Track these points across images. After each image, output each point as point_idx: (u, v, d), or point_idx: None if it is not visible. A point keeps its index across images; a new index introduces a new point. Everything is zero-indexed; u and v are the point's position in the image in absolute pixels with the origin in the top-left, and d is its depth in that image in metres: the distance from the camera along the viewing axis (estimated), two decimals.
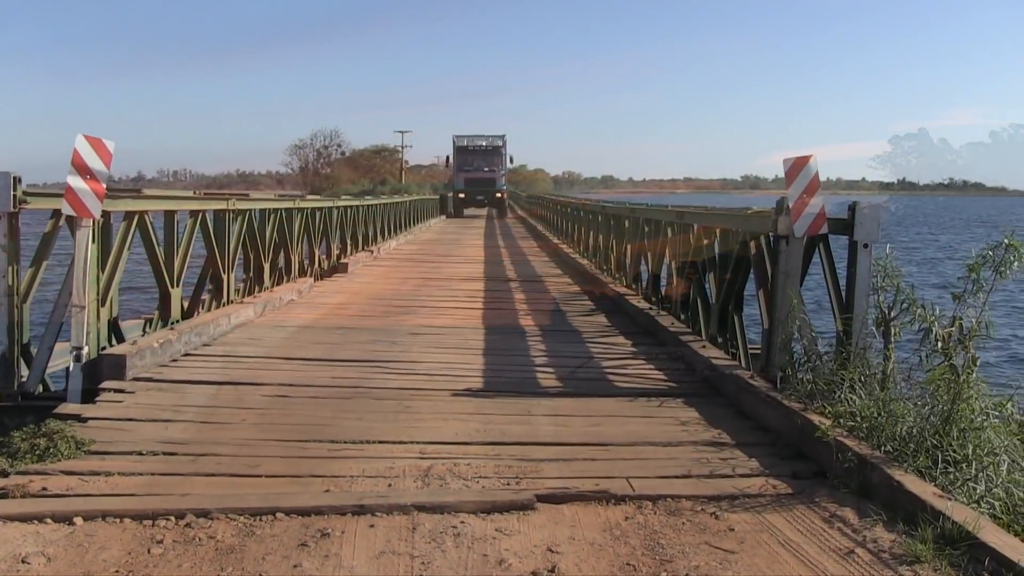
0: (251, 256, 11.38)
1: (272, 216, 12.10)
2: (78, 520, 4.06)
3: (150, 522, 4.08)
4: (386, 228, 25.23)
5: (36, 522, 4.03)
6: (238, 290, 11.34)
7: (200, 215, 8.99)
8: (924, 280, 28.33)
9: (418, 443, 5.31)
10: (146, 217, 7.65)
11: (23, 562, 3.67)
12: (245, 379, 6.74)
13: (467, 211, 51.42)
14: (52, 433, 5.03)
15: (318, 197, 17.52)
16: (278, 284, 12.29)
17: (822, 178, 6.31)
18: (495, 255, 22.25)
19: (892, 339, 5.85)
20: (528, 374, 7.29)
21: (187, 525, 4.07)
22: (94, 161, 6.22)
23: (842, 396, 5.27)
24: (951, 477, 4.34)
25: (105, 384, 6.26)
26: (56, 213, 6.57)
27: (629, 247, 13.39)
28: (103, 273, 6.92)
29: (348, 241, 18.73)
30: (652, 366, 7.69)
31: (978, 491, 4.24)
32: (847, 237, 6.25)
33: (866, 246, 6.16)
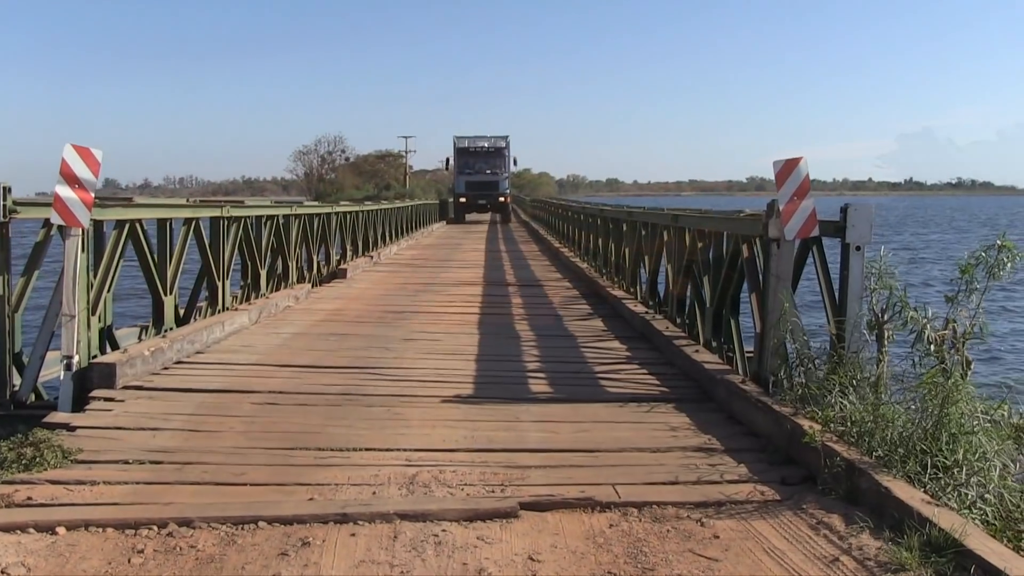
0: (248, 263, 11.40)
1: (269, 223, 12.10)
2: (61, 530, 4.05)
3: (132, 531, 4.07)
4: (387, 233, 25.23)
5: (19, 532, 4.02)
6: (236, 296, 11.36)
7: (193, 223, 8.99)
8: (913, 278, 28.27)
9: (405, 450, 5.29)
10: (137, 226, 7.64)
11: (3, 572, 3.66)
12: (235, 387, 6.72)
13: (469, 216, 49.38)
14: (39, 442, 5.03)
15: (316, 204, 17.50)
16: (276, 290, 12.30)
17: (828, 178, 6.37)
18: (496, 260, 22.25)
19: (885, 342, 5.82)
20: (519, 380, 7.26)
21: (169, 534, 4.06)
22: (82, 170, 6.22)
23: (832, 400, 5.24)
24: (942, 483, 4.30)
25: (95, 393, 6.25)
26: (48, 222, 6.57)
27: (627, 251, 13.38)
28: (94, 282, 6.91)
29: (348, 247, 18.75)
30: (645, 371, 7.66)
31: (969, 497, 4.20)
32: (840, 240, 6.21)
33: (858, 248, 6.12)
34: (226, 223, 9.96)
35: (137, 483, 4.70)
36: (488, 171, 49.06)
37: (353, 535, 4.04)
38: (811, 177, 6.25)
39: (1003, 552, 3.53)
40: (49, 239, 6.73)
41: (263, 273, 11.63)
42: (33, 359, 6.49)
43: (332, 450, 5.29)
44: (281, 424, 5.82)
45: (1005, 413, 4.67)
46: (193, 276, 10.01)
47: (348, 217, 19.10)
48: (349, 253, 18.89)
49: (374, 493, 4.58)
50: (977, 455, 4.36)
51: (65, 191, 6.16)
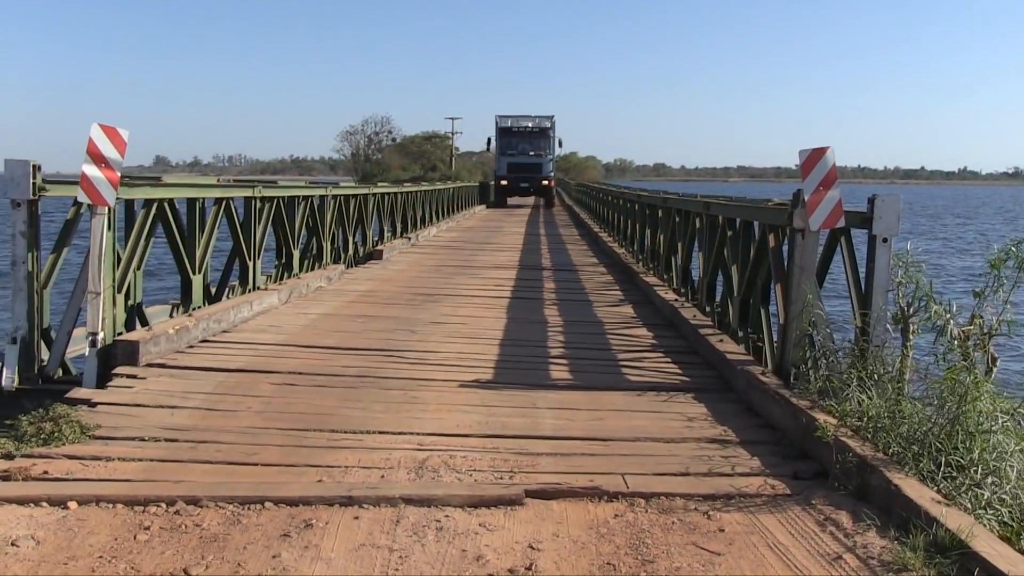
0: (281, 243, 11.50)
1: (303, 203, 12.17)
2: (72, 504, 4.13)
3: (141, 508, 4.12)
4: (426, 215, 25.29)
5: (32, 505, 4.10)
6: (270, 276, 11.46)
7: (224, 203, 9.06)
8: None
9: (418, 434, 5.30)
10: (166, 205, 7.72)
11: (12, 544, 3.73)
12: (256, 367, 6.78)
13: (511, 200, 47.28)
14: (58, 417, 5.10)
15: (352, 184, 17.54)
16: (311, 271, 12.39)
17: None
18: (534, 243, 22.20)
19: (910, 336, 5.72)
20: (540, 366, 7.24)
21: (176, 512, 4.11)
22: (109, 150, 6.29)
23: (850, 394, 5.16)
24: (956, 482, 4.22)
25: (118, 370, 6.34)
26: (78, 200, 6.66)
27: (661, 237, 13.29)
28: (122, 260, 7.00)
29: (385, 228, 18.82)
30: (669, 360, 7.60)
31: (984, 497, 4.12)
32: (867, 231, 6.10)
33: (885, 240, 6.00)
34: (258, 203, 10.02)
35: (151, 460, 4.77)
36: (532, 152, 46.50)
37: (356, 518, 4.06)
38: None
39: (1010, 555, 3.45)
40: (79, 217, 6.82)
41: (296, 253, 11.72)
42: (60, 335, 6.59)
43: (345, 432, 5.32)
44: (297, 405, 5.87)
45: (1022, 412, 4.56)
46: (227, 255, 10.09)
47: (386, 198, 19.16)
48: (387, 234, 18.97)
49: (382, 477, 4.60)
50: (995, 454, 4.28)
51: (92, 170, 6.24)
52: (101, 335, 6.36)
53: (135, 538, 3.84)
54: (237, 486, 4.37)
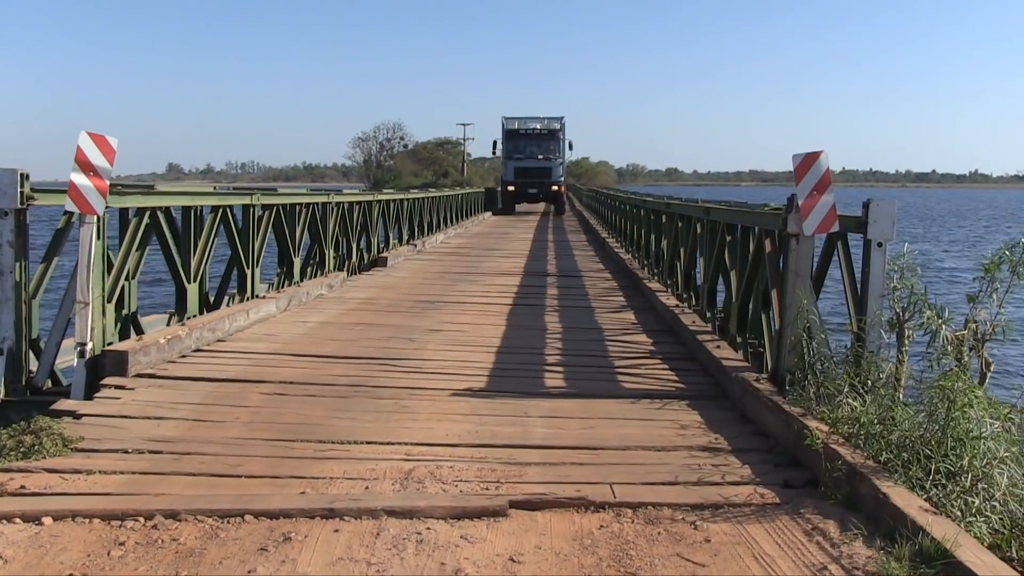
0: (281, 251, 11.47)
1: (303, 211, 12.14)
2: (47, 520, 4.05)
3: (118, 523, 4.05)
4: (433, 222, 25.25)
5: (5, 522, 4.02)
6: (272, 284, 11.44)
7: (220, 211, 9.02)
8: None
9: (406, 444, 5.24)
10: (159, 213, 7.69)
11: None
12: (248, 376, 6.73)
13: (519, 207, 45.13)
14: (39, 430, 5.06)
15: (357, 191, 17.51)
16: (314, 278, 12.36)
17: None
18: (540, 250, 22.12)
19: (906, 342, 5.64)
20: (536, 374, 7.17)
21: (154, 527, 4.04)
22: (97, 158, 6.25)
23: (842, 401, 5.08)
24: (947, 490, 4.14)
25: (107, 380, 6.30)
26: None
27: (665, 242, 13.21)
28: (113, 269, 6.97)
29: (390, 235, 18.79)
30: (666, 366, 7.52)
31: (975, 504, 4.03)
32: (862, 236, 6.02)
33: (880, 245, 5.92)
34: (257, 211, 9.98)
35: (133, 473, 4.71)
36: (540, 156, 43.94)
37: (336, 531, 4.00)
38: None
39: (994, 564, 3.38)
40: (70, 226, 6.79)
41: (297, 261, 11.70)
42: (49, 345, 6.55)
43: (333, 443, 5.26)
44: (286, 415, 5.81)
45: (1015, 418, 4.48)
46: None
47: (391, 205, 19.13)
48: (392, 241, 18.93)
49: (367, 488, 4.54)
50: (984, 461, 4.19)
51: (80, 178, 6.21)
52: (90, 345, 6.32)
53: (109, 554, 3.78)
54: (218, 499, 4.30)
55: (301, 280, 11.99)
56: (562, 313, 10.78)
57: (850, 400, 5.05)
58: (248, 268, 9.79)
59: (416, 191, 26.27)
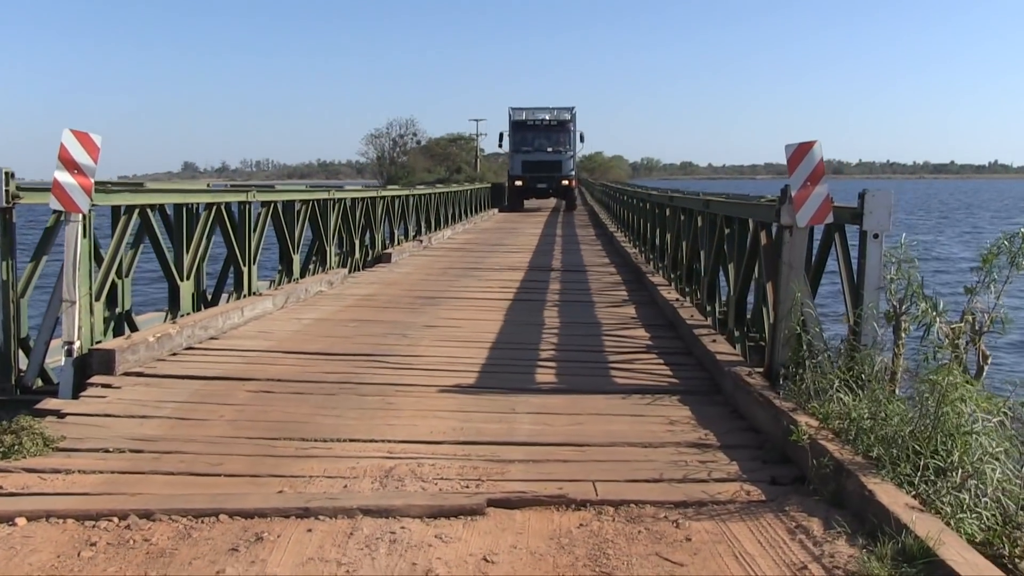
0: (281, 248, 11.43)
1: (302, 208, 12.08)
2: (21, 520, 4.00)
3: (92, 523, 4.01)
4: (441, 217, 25.19)
5: None
6: (274, 281, 11.39)
7: (214, 208, 8.97)
8: None
9: (389, 442, 5.16)
10: (148, 211, 7.64)
11: None
12: (236, 374, 6.67)
13: (528, 203, 42.79)
14: (20, 430, 5.00)
15: (359, 188, 17.41)
16: (316, 275, 12.32)
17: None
18: (547, 245, 22.01)
19: (902, 334, 5.53)
20: (527, 369, 7.08)
21: (127, 527, 3.99)
22: (81, 156, 6.21)
23: (832, 396, 4.98)
24: (936, 486, 4.04)
25: (94, 379, 6.25)
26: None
27: (668, 236, 13.10)
28: (101, 267, 6.93)
29: (396, 231, 18.72)
30: (662, 361, 7.42)
31: (965, 501, 3.93)
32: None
33: (876, 236, 5.81)
34: (252, 208, 9.93)
35: (112, 472, 4.66)
36: (549, 149, 41.04)
37: (310, 531, 3.93)
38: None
39: (977, 562, 3.28)
40: (59, 224, 6.75)
41: (296, 258, 11.64)
42: (38, 344, 6.53)
43: (316, 440, 5.20)
44: (271, 413, 5.75)
45: (1008, 412, 4.36)
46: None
47: (396, 202, 19.06)
48: (397, 237, 18.88)
49: (345, 487, 4.47)
50: (976, 456, 4.08)
51: (64, 176, 6.16)
52: (77, 344, 6.28)
53: (79, 555, 3.73)
54: (194, 498, 4.25)
55: (301, 277, 11.94)
56: (562, 308, 10.69)
57: (841, 395, 4.95)
58: (245, 265, 9.74)
59: (423, 187, 26.21)
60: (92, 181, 6.32)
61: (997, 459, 4.06)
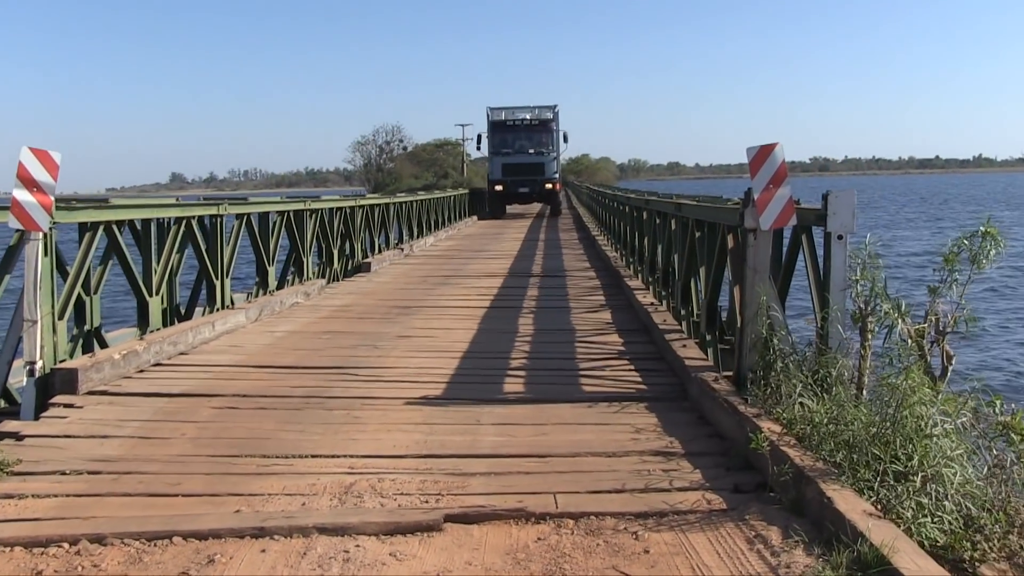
0: (256, 260, 11.37)
1: (279, 219, 12.02)
2: None
3: (41, 549, 3.93)
4: (423, 225, 25.13)
5: None
6: (252, 293, 11.33)
7: (183, 222, 8.90)
8: None
9: (351, 457, 5.11)
10: (114, 227, 7.58)
11: None
12: (201, 390, 6.59)
13: (510, 209, 40.84)
14: None
15: (337, 197, 17.29)
16: (297, 285, 12.26)
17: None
18: (529, 250, 21.93)
19: (869, 336, 5.50)
20: (496, 379, 7.02)
21: (77, 552, 3.92)
22: (40, 173, 6.15)
23: (794, 401, 4.95)
24: (896, 491, 4.00)
25: (56, 399, 6.17)
26: None
27: (646, 240, 13.08)
28: (66, 284, 6.87)
29: (376, 240, 18.66)
30: (632, 367, 7.38)
31: (926, 505, 3.90)
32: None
33: (840, 237, 5.78)
34: (223, 221, 9.86)
35: (67, 496, 4.58)
36: (531, 150, 38.43)
37: (263, 551, 3.87)
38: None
39: (931, 569, 3.24)
40: (22, 243, 6.68)
41: (271, 270, 11.58)
42: (0, 364, 6.45)
43: (277, 457, 5.13)
44: (234, 429, 5.69)
45: (968, 413, 4.34)
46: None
47: (376, 210, 19.00)
48: (378, 246, 18.81)
49: (303, 504, 4.41)
50: (935, 460, 4.05)
51: (23, 195, 6.10)
52: (40, 363, 6.21)
53: None
54: (148, 520, 4.18)
55: (279, 289, 11.88)
56: (538, 315, 10.64)
57: (804, 399, 4.92)
58: (217, 279, 9.67)
59: (403, 195, 26.14)
60: (52, 199, 6.27)
61: (955, 462, 4.03)
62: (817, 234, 6.16)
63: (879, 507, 3.88)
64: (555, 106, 39.78)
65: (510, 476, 4.78)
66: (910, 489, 3.97)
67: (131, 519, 4.22)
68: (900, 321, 5.04)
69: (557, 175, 39.85)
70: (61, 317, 6.73)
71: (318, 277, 13.76)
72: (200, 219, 9.53)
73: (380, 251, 18.79)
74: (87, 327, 7.70)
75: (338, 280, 14.83)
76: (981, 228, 5.15)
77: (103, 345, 7.82)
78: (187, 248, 9.48)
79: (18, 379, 6.67)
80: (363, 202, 17.68)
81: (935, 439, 4.13)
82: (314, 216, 13.70)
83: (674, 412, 5.94)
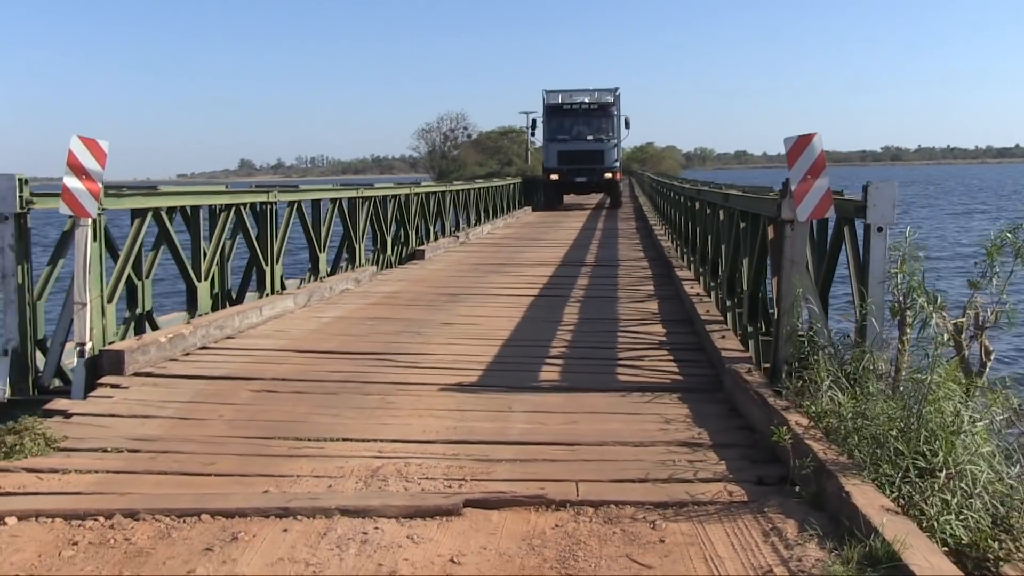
0: (309, 247, 11.56)
1: (332, 206, 12.20)
2: (11, 520, 4.10)
3: (79, 522, 4.09)
4: (481, 212, 25.24)
5: None
6: (304, 280, 11.52)
7: (233, 209, 9.09)
8: None
9: (380, 441, 5.19)
10: (163, 213, 7.78)
11: None
12: (242, 373, 6.75)
13: (567, 199, 38.67)
14: (23, 430, 5.12)
15: (390, 185, 17.40)
16: (341, 273, 12.44)
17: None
18: (585, 239, 21.87)
19: (907, 329, 5.42)
20: (532, 367, 7.05)
21: (111, 526, 4.07)
22: (89, 161, 6.34)
23: (822, 394, 4.90)
24: (920, 488, 3.95)
25: (104, 379, 6.38)
26: None
27: (698, 230, 12.99)
28: (115, 269, 7.08)
29: (432, 227, 18.80)
30: (671, 358, 7.36)
31: (952, 503, 3.84)
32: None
33: (880, 229, 5.70)
34: (273, 208, 10.04)
35: (107, 472, 4.75)
36: (590, 136, 35.68)
37: (285, 530, 3.98)
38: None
39: (942, 567, 3.21)
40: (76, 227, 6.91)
41: (322, 257, 11.75)
42: (53, 345, 6.69)
43: (309, 440, 5.25)
44: (270, 412, 5.82)
45: (1000, 410, 4.26)
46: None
47: (432, 198, 19.13)
48: (434, 233, 18.95)
49: (329, 487, 4.51)
50: (963, 457, 3.99)
51: (73, 182, 6.31)
52: (89, 345, 6.43)
53: (60, 554, 3.81)
54: (180, 498, 4.32)
55: (331, 275, 12.06)
56: (584, 304, 10.65)
57: (832, 393, 4.87)
58: (267, 265, 9.86)
59: (459, 183, 26.25)
60: (100, 186, 6.46)
61: (984, 459, 3.97)
62: (860, 226, 6.08)
63: (901, 503, 3.84)
64: (616, 89, 36.84)
65: (535, 463, 4.82)
66: (934, 486, 3.92)
67: (164, 496, 4.36)
68: (934, 315, 4.95)
69: (618, 164, 36.96)
70: (110, 300, 6.94)
71: (372, 264, 13.92)
72: (252, 206, 9.72)
73: (436, 239, 18.92)
74: (139, 310, 7.91)
75: (391, 267, 14.99)
76: None
77: (154, 328, 8.03)
78: (239, 234, 9.68)
79: (71, 360, 6.90)
80: (417, 190, 17.79)
81: (962, 435, 4.07)
82: (366, 204, 13.86)
83: (707, 404, 5.92)
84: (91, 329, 6.45)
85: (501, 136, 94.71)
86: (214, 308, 8.84)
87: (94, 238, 6.49)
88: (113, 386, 6.30)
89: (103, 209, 6.62)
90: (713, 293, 10.29)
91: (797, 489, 4.28)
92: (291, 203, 10.76)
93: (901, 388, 5.12)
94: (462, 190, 23.30)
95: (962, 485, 3.89)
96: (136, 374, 6.58)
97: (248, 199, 9.56)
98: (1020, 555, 3.64)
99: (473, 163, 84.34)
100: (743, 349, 6.94)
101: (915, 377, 4.32)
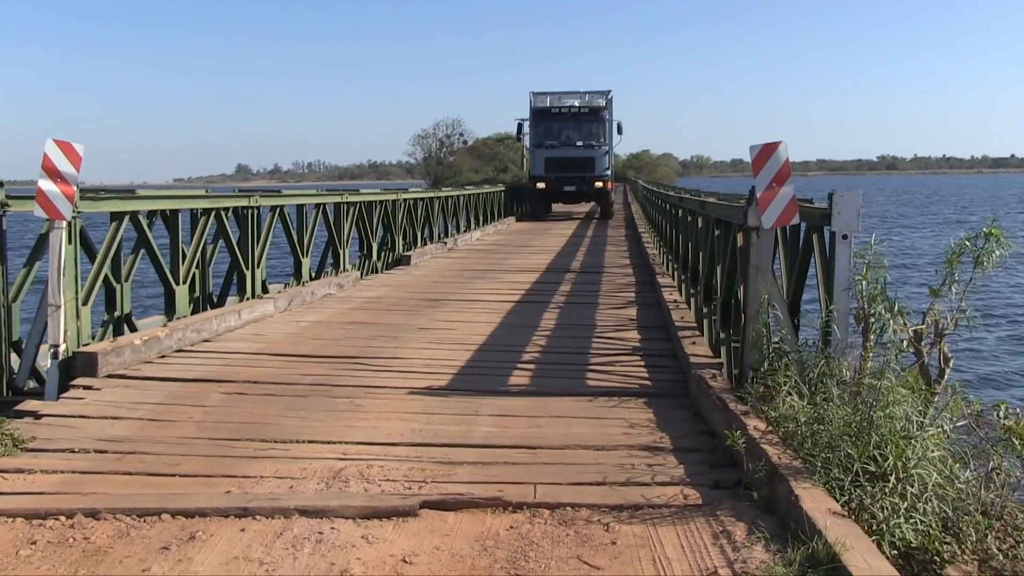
0: (293, 251, 11.60)
1: (316, 211, 12.25)
2: None
3: (40, 521, 4.13)
4: (471, 219, 25.30)
5: None
6: (287, 285, 11.56)
7: (213, 213, 9.14)
8: None
9: (345, 443, 5.25)
10: (140, 217, 7.83)
11: None
12: (215, 376, 6.80)
13: (556, 207, 36.99)
14: None
15: (378, 191, 17.44)
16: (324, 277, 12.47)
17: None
18: (573, 246, 21.94)
19: (871, 336, 5.49)
20: (503, 372, 7.11)
21: (71, 525, 4.12)
22: (63, 164, 6.40)
23: (780, 400, 4.96)
24: (869, 491, 4.02)
25: (77, 381, 6.43)
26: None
27: (680, 237, 13.07)
28: (91, 271, 7.12)
29: (420, 233, 18.84)
30: (643, 363, 7.42)
31: (900, 506, 3.91)
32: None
33: (845, 237, 5.76)
34: (254, 213, 10.09)
35: (73, 472, 4.79)
36: (579, 142, 33.21)
37: (243, 530, 4.03)
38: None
39: (880, 568, 3.26)
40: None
41: (305, 262, 11.80)
42: (28, 347, 6.73)
43: (276, 442, 5.30)
44: (239, 414, 5.87)
45: (949, 415, 4.33)
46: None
47: (420, 204, 19.18)
48: (421, 239, 18.99)
49: (291, 487, 4.56)
50: (913, 461, 4.06)
51: (47, 185, 6.36)
52: (63, 347, 6.47)
53: (17, 553, 3.85)
54: (142, 498, 4.37)
55: (316, 279, 12.10)
56: (564, 310, 10.71)
57: (788, 398, 4.93)
58: (248, 269, 9.91)
59: (449, 189, 26.31)
60: (75, 189, 6.51)
61: (934, 464, 4.03)
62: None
63: (850, 507, 3.90)
64: (608, 92, 34.38)
65: (496, 466, 4.87)
66: (884, 490, 3.98)
67: (126, 496, 4.41)
68: (891, 322, 5.02)
69: (609, 172, 34.37)
70: (85, 303, 6.99)
71: (357, 269, 13.97)
72: (232, 210, 9.76)
73: (424, 245, 18.97)
74: (117, 313, 7.96)
75: (377, 272, 15.03)
76: (984, 229, 5.11)
77: (133, 331, 8.08)
78: (220, 239, 9.72)
79: (47, 362, 6.95)
80: (404, 196, 17.84)
81: (914, 440, 4.13)
82: (351, 209, 13.90)
83: (672, 409, 5.98)
84: (65, 331, 6.50)
85: (497, 143, 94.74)
86: (194, 311, 8.89)
87: (68, 241, 6.54)
88: (86, 388, 6.34)
89: (78, 212, 6.67)
90: (693, 300, 10.35)
91: (749, 493, 4.34)
92: (274, 208, 10.80)
93: (862, 394, 5.21)
94: (450, 196, 23.33)
95: (912, 489, 3.96)
96: (110, 376, 6.63)
97: (229, 203, 9.61)
98: (965, 557, 3.72)
99: (469, 169, 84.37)
100: (713, 355, 7.01)
101: (869, 383, 4.37)
